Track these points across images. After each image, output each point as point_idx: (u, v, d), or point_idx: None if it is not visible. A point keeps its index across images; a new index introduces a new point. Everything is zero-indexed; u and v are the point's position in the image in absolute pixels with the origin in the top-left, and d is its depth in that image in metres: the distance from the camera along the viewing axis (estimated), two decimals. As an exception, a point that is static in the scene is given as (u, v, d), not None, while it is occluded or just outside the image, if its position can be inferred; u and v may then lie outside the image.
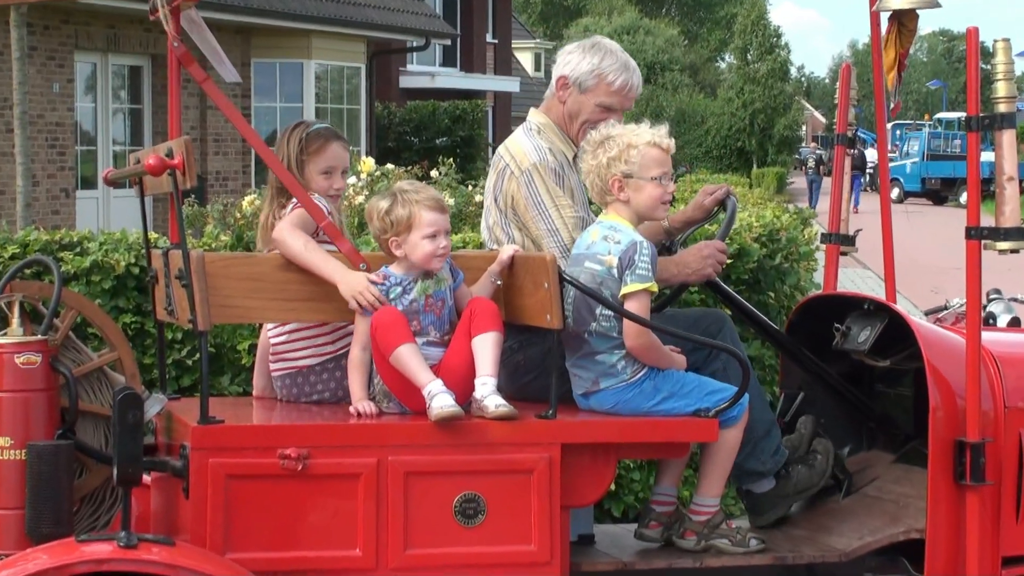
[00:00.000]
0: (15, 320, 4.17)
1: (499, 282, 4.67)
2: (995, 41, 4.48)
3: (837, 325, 5.17)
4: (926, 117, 62.98)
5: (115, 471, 3.79)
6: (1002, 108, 4.49)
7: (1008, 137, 4.47)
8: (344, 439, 4.23)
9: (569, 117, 5.00)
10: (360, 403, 4.45)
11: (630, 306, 4.47)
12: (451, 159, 13.93)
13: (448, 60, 35.10)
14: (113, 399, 3.83)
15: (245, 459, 4.12)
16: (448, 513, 4.26)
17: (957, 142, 54.28)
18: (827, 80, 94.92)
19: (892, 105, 5.14)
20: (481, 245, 5.27)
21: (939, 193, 51.37)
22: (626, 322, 4.47)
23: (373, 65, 25.22)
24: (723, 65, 73.86)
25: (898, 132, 62.11)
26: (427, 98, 29.66)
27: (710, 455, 4.71)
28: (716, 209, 5.17)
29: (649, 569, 4.56)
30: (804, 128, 65.51)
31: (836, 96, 5.88)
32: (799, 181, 53.21)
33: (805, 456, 5.07)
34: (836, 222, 5.79)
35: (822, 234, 5.87)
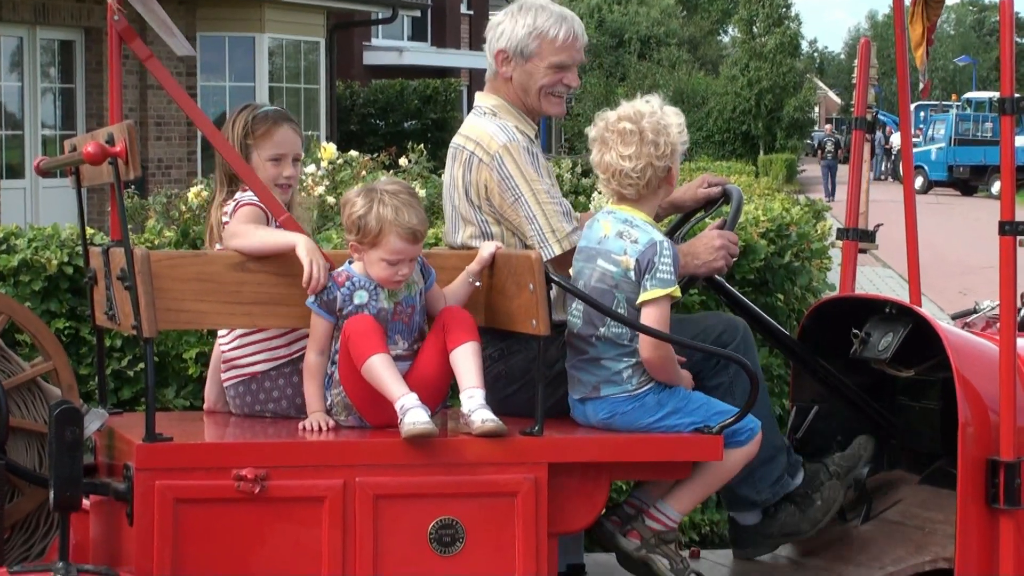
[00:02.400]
0: (-63, 325, 4.18)
1: (478, 283, 4.70)
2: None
3: (855, 331, 5.21)
4: (953, 97, 63.24)
5: (52, 494, 3.80)
6: (1039, 89, 4.53)
7: (1045, 122, 4.50)
8: (306, 458, 4.26)
9: (522, 91, 5.02)
10: (315, 416, 4.48)
11: (649, 313, 4.51)
12: (421, 144, 13.94)
13: (418, 34, 35.15)
14: (49, 414, 3.84)
15: (196, 481, 4.15)
16: (422, 540, 4.29)
17: (988, 125, 54.45)
18: (843, 56, 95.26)
19: (921, 85, 5.17)
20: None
21: (968, 182, 51.58)
22: (643, 334, 4.51)
23: (334, 39, 25.23)
24: (726, 39, 74.07)
25: (922, 114, 62.30)
26: (394, 76, 29.70)
27: (699, 469, 4.73)
28: (720, 200, 5.20)
29: (644, 603, 4.60)
30: (817, 110, 65.73)
31: (854, 75, 5.92)
32: (811, 169, 53.39)
33: (803, 494, 5.09)
34: (854, 216, 5.84)
35: (838, 229, 5.92)
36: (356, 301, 4.49)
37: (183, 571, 4.12)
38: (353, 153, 12.32)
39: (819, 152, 50.37)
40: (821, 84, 74.79)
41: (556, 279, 4.48)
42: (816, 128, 59.47)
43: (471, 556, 4.32)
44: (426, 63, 32.83)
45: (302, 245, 4.48)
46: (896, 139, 57.45)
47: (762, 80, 53.97)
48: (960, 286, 17.70)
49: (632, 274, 4.54)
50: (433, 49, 34.91)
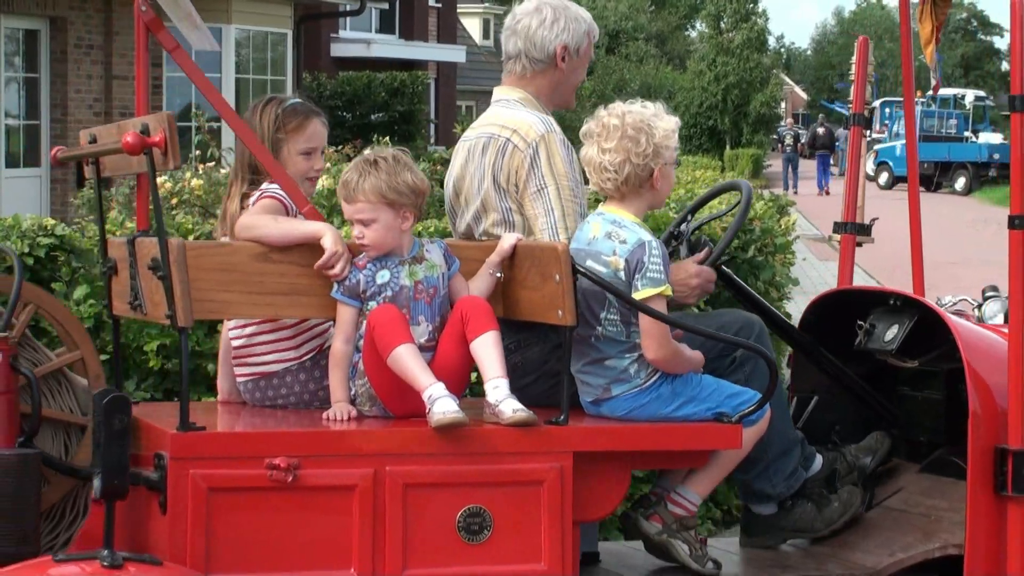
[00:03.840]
0: (-28, 316, 4.28)
1: (499, 275, 4.82)
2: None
3: (860, 322, 5.36)
4: (919, 94, 63.50)
5: (100, 482, 3.91)
6: (1051, 87, 4.68)
7: (1056, 118, 4.66)
8: (338, 448, 4.37)
9: (560, 85, 5.22)
10: (338, 406, 4.60)
11: (645, 312, 4.62)
12: (388, 137, 14.03)
13: (385, 26, 35.17)
14: (95, 402, 3.95)
15: (229, 470, 4.26)
16: (451, 529, 4.41)
17: (953, 122, 54.88)
18: (809, 52, 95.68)
19: (933, 82, 5.33)
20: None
21: (932, 178, 51.82)
22: (646, 332, 4.64)
23: (301, 31, 25.29)
24: (693, 34, 74.35)
25: (887, 110, 62.65)
26: (362, 68, 29.74)
27: (715, 453, 4.87)
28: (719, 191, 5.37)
29: (667, 589, 4.74)
30: (783, 105, 66.08)
31: (851, 73, 6.07)
32: (777, 164, 53.67)
33: (822, 494, 5.24)
34: (852, 210, 5.99)
35: (835, 223, 6.06)
36: (379, 280, 4.62)
37: (216, 559, 4.23)
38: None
39: (780, 146, 50.73)
40: (788, 80, 75.18)
41: (582, 270, 4.60)
42: (782, 123, 59.76)
43: (498, 544, 4.45)
44: (394, 55, 32.90)
45: (329, 236, 4.59)
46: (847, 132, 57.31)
47: (729, 75, 54.23)
48: (927, 281, 17.90)
49: (622, 274, 4.66)
50: (401, 42, 34.96)
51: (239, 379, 4.95)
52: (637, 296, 4.61)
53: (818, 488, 5.28)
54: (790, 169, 47.11)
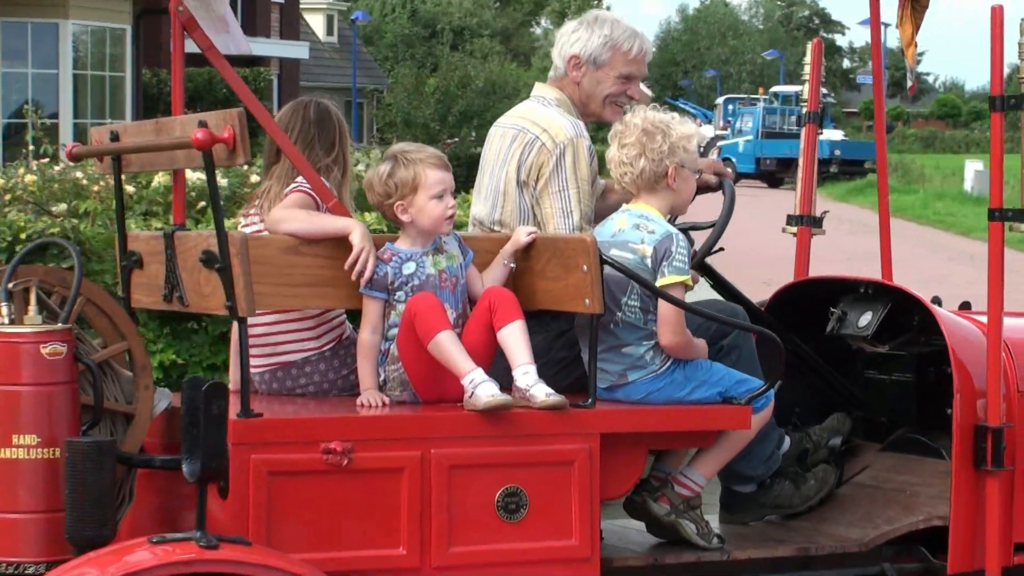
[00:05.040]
0: (32, 307, 4.49)
1: (512, 265, 5.14)
2: (1022, 21, 5.13)
3: (833, 309, 5.78)
4: (760, 91, 64.97)
5: (194, 466, 4.16)
6: (1028, 88, 5.14)
7: (1034, 118, 5.12)
8: (388, 432, 4.68)
9: (587, 96, 5.55)
10: (368, 393, 4.90)
11: (664, 301, 4.98)
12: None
13: (227, 21, 35.11)
14: (187, 389, 4.20)
15: (287, 454, 4.53)
16: (491, 508, 4.74)
17: (794, 119, 56.11)
18: (654, 49, 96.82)
19: (910, 83, 5.76)
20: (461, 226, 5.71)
21: (774, 175, 53.05)
22: (664, 319, 5.01)
23: (141, 26, 25.27)
24: (538, 31, 75.06)
25: (730, 107, 63.95)
26: (203, 64, 29.55)
27: (721, 436, 5.25)
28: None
29: (679, 563, 5.11)
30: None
31: (805, 72, 6.48)
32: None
33: (798, 472, 5.65)
34: (807, 203, 6.41)
35: (789, 216, 6.48)
36: (405, 272, 4.93)
37: (276, 540, 4.50)
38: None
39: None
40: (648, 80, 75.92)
41: (610, 260, 4.94)
42: (626, 120, 60.43)
43: (533, 521, 4.78)
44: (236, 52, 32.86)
45: (357, 232, 4.88)
46: (705, 130, 58.55)
47: (573, 72, 54.75)
48: (766, 276, 18.45)
49: (649, 261, 5.04)
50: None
51: (255, 369, 5.20)
52: (661, 282, 5.00)
53: (793, 467, 5.68)
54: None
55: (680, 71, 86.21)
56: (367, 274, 4.86)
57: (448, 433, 4.72)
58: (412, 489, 4.65)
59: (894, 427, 5.93)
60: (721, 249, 5.64)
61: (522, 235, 5.15)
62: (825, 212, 6.44)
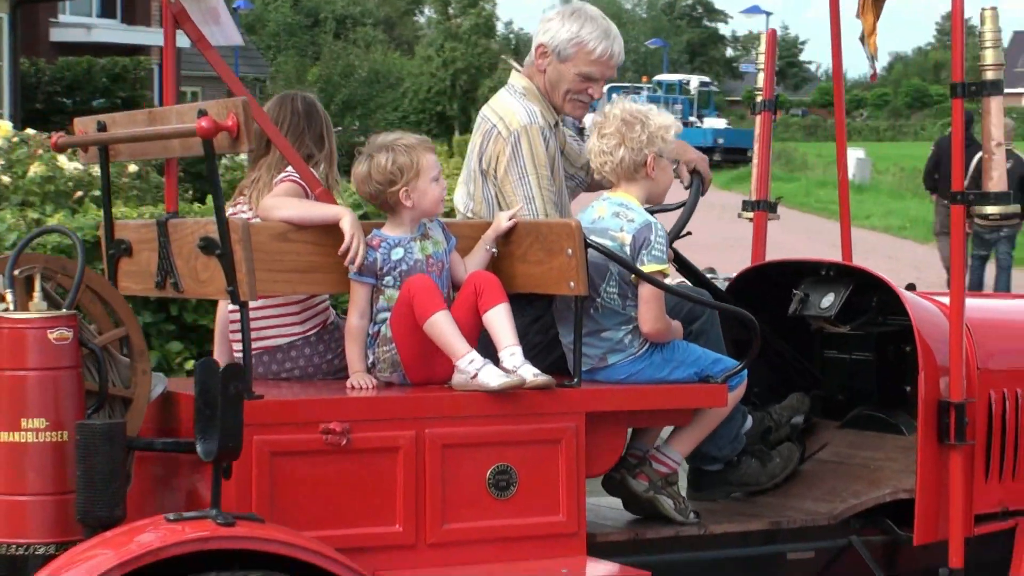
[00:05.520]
0: (37, 293, 4.59)
1: (494, 251, 5.32)
2: (983, 10, 5.39)
3: (795, 291, 6.02)
4: (644, 79, 65.56)
5: (209, 445, 4.29)
6: (990, 75, 5.40)
7: (996, 104, 5.39)
8: (385, 412, 4.83)
9: (550, 86, 5.72)
10: (357, 376, 5.06)
11: (647, 287, 5.20)
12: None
13: (107, 10, 34.96)
14: (201, 371, 4.32)
15: (288, 435, 4.67)
16: (482, 485, 4.91)
17: (679, 107, 56.78)
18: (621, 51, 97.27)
19: (870, 72, 6.01)
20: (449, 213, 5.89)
21: (657, 163, 53.50)
22: (646, 304, 5.21)
23: (18, 15, 25.12)
24: (422, 19, 75.18)
25: (614, 96, 64.29)
26: (82, 53, 29.60)
27: (697, 414, 5.46)
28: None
29: (659, 538, 5.32)
30: (510, 90, 67.05)
31: (760, 61, 6.72)
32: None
33: (763, 451, 5.87)
34: (763, 189, 6.65)
35: (745, 201, 6.72)
36: (394, 257, 5.09)
37: (278, 518, 4.62)
38: (30, 131, 12.45)
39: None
40: (516, 65, 76.27)
41: (594, 244, 5.13)
42: (510, 109, 60.80)
43: (522, 498, 4.96)
44: (115, 40, 32.83)
45: (347, 219, 5.03)
46: (587, 118, 58.58)
47: (457, 61, 55.15)
48: (701, 264, 18.93)
49: (628, 249, 5.23)
50: (123, 26, 34.80)
51: (238, 353, 5.33)
52: (642, 269, 5.17)
53: (758, 445, 5.91)
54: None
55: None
56: (358, 260, 5.01)
57: (442, 413, 4.88)
58: (407, 468, 4.81)
59: (850, 405, 6.18)
60: (688, 233, 5.85)
61: (503, 220, 5.32)
62: (779, 198, 6.69)
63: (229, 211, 5.60)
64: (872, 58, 5.97)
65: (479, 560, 4.90)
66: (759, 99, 6.64)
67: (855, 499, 5.68)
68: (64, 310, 4.59)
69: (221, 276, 4.73)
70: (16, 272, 4.59)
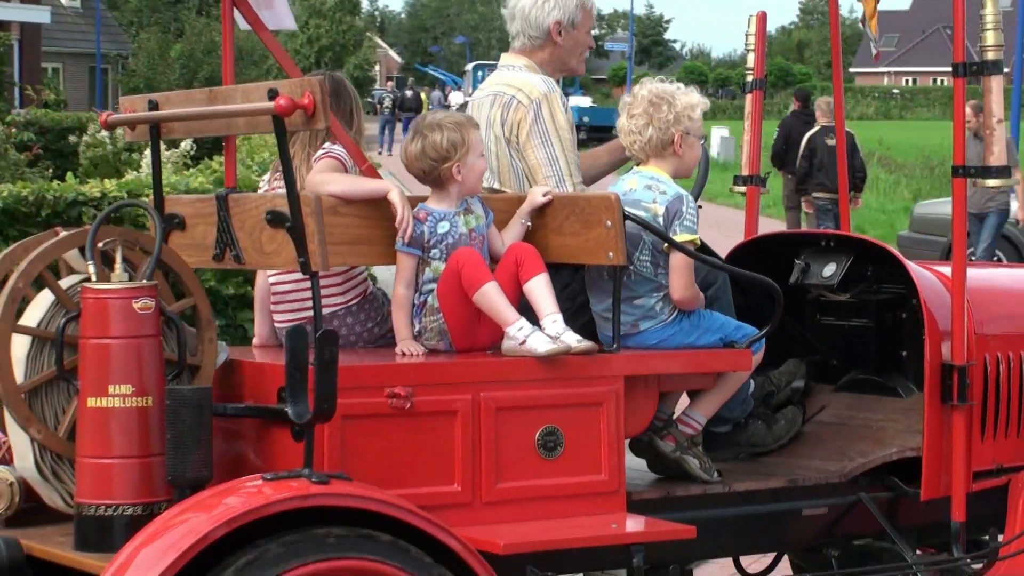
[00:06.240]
0: (119, 265, 4.85)
1: (528, 224, 5.65)
2: (979, -12, 5.82)
3: (797, 260, 6.42)
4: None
5: (301, 408, 4.57)
6: (990, 56, 5.83)
7: (996, 83, 5.82)
8: (445, 377, 5.15)
9: (567, 54, 6.13)
10: (405, 343, 5.36)
11: (679, 256, 5.56)
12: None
13: (-34, -15, 34.60)
14: (291, 337, 4.60)
15: (357, 399, 4.96)
16: (532, 446, 5.24)
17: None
18: (403, 16, 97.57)
19: (875, 52, 6.42)
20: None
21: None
22: (677, 272, 5.57)
23: None
24: (287, -5, 74.97)
25: (480, 73, 64.76)
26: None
27: (720, 379, 5.85)
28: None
29: (688, 495, 5.69)
30: (377, 68, 67.35)
31: (751, 43, 7.10)
32: (371, 127, 54.97)
33: (768, 414, 6.28)
34: (755, 164, 7.04)
35: (736, 176, 7.11)
36: (440, 231, 5.39)
37: (348, 478, 4.92)
38: None
39: (378, 108, 52.18)
40: (381, 43, 76.61)
41: (631, 215, 5.48)
42: (376, 86, 61.03)
43: (568, 458, 5.29)
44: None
45: (395, 192, 5.33)
46: (454, 97, 59.33)
47: (322, 38, 55.19)
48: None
49: (660, 220, 5.59)
50: (-18, 2, 34.44)
51: (280, 324, 5.62)
52: (675, 239, 5.54)
53: (761, 408, 6.31)
54: (387, 131, 48.88)
55: (430, 37, 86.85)
56: (408, 232, 5.31)
57: (495, 377, 5.20)
58: (464, 430, 5.12)
59: (843, 370, 6.59)
60: (699, 207, 6.22)
61: (538, 195, 5.65)
62: (768, 173, 7.10)
63: (263, 187, 5.89)
64: (874, 39, 6.38)
65: (529, 517, 5.23)
66: (750, 78, 7.03)
67: (863, 458, 6.09)
68: (144, 281, 4.85)
69: (289, 248, 5.01)
70: (100, 244, 4.84)
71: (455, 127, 5.41)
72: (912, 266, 6.15)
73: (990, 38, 5.85)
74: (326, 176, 5.39)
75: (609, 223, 5.41)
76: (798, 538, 6.05)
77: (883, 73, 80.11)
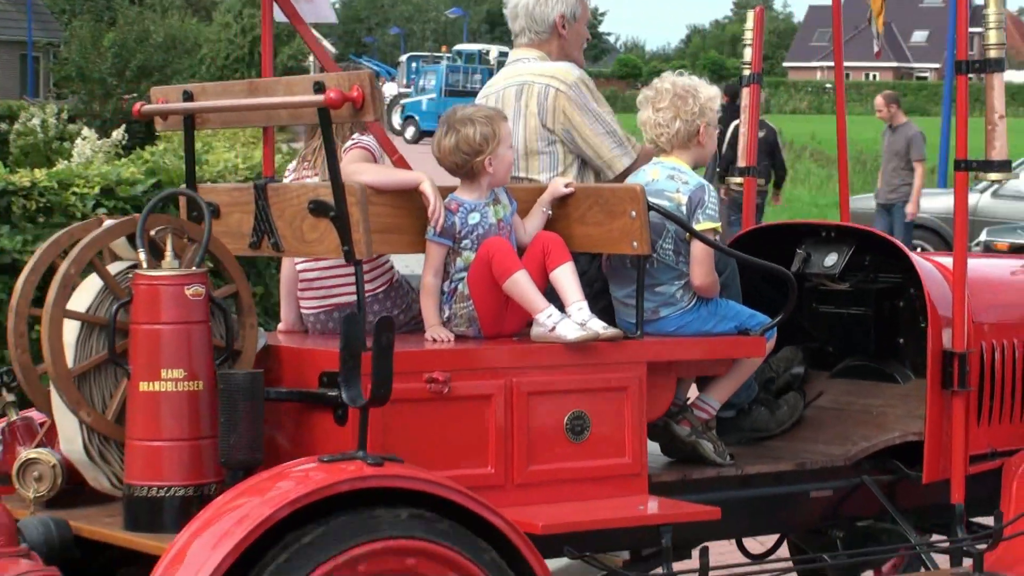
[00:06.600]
0: (169, 252, 5.03)
1: (549, 212, 5.87)
2: (991, -10, 6.08)
3: (798, 250, 6.67)
4: (444, 49, 66.17)
5: (354, 392, 4.75)
6: (992, 53, 6.10)
7: (998, 80, 6.09)
8: (481, 362, 5.36)
9: (572, 47, 6.40)
10: (434, 329, 5.57)
11: (700, 244, 5.79)
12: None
13: None
14: (347, 324, 4.79)
15: (397, 384, 5.13)
16: (560, 430, 5.46)
17: (477, 76, 57.45)
18: (338, 5, 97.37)
19: (876, 48, 6.67)
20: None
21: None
22: (698, 260, 5.81)
23: None
24: (220, -15, 74.81)
25: (413, 65, 65.03)
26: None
27: (734, 365, 6.09)
28: None
29: (704, 478, 5.92)
30: (311, 58, 67.11)
31: (749, 37, 7.34)
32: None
33: (770, 399, 6.53)
34: (753, 155, 7.29)
35: (733, 168, 7.37)
36: (471, 221, 5.60)
37: (389, 461, 5.12)
38: None
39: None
40: (316, 33, 76.46)
41: (655, 205, 5.71)
42: (313, 78, 60.86)
43: (595, 442, 5.52)
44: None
45: (427, 182, 5.53)
46: (388, 88, 59.31)
47: (256, 28, 54.89)
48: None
49: (684, 209, 5.84)
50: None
51: (307, 311, 5.82)
52: (697, 227, 5.78)
53: (763, 394, 6.56)
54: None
55: (364, 28, 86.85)
56: (440, 222, 5.51)
57: (527, 363, 5.42)
58: (498, 414, 5.34)
59: (838, 357, 6.85)
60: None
61: (560, 185, 5.87)
62: (764, 163, 7.35)
63: (290, 177, 6.07)
64: (878, 36, 6.63)
65: (558, 499, 5.45)
66: (746, 73, 7.27)
67: (866, 442, 6.35)
68: (195, 268, 5.03)
69: (332, 236, 5.21)
70: (152, 232, 5.01)
71: (486, 121, 5.61)
72: (915, 256, 6.41)
73: (992, 37, 6.12)
74: (359, 166, 5.59)
75: (634, 213, 5.64)
76: (805, 519, 6.31)
77: (816, 68, 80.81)
